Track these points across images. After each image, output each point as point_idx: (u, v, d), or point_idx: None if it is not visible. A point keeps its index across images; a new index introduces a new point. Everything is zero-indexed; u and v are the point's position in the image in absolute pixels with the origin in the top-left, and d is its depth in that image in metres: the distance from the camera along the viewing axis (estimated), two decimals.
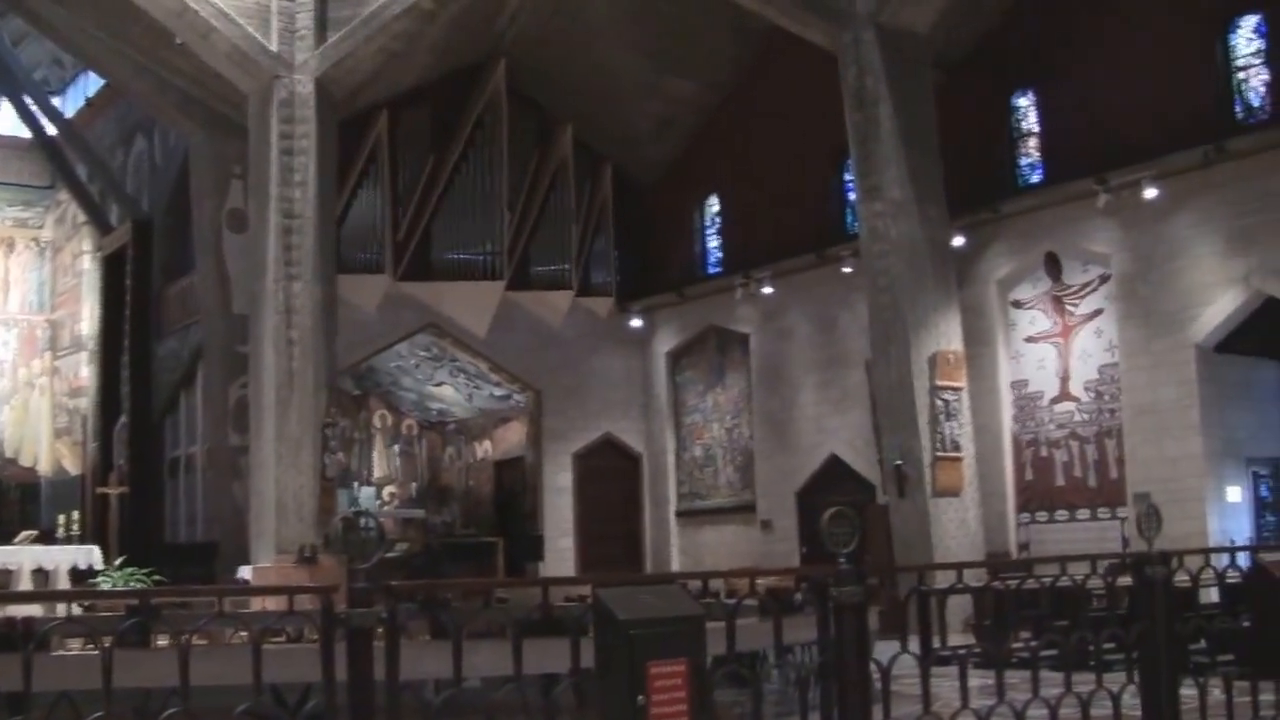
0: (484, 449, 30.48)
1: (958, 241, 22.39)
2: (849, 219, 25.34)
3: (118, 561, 20.71)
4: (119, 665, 5.10)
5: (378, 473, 29.27)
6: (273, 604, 17.63)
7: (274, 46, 21.85)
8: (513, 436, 30.00)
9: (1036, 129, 23.31)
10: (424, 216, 27.52)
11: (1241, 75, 20.74)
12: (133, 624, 8.26)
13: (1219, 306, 20.04)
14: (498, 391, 29.61)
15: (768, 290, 26.73)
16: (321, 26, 22.20)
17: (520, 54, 27.48)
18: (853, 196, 23.43)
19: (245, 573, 21.19)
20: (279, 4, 22.00)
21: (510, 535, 28.62)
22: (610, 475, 29.84)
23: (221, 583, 22.05)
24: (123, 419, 29.44)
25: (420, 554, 27.75)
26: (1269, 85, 20.35)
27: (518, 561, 28.10)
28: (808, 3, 21.37)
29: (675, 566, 28.77)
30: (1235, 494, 20.25)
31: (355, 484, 28.37)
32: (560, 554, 28.80)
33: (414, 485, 29.79)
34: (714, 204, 29.53)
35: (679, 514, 29.43)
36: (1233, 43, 20.82)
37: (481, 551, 28.07)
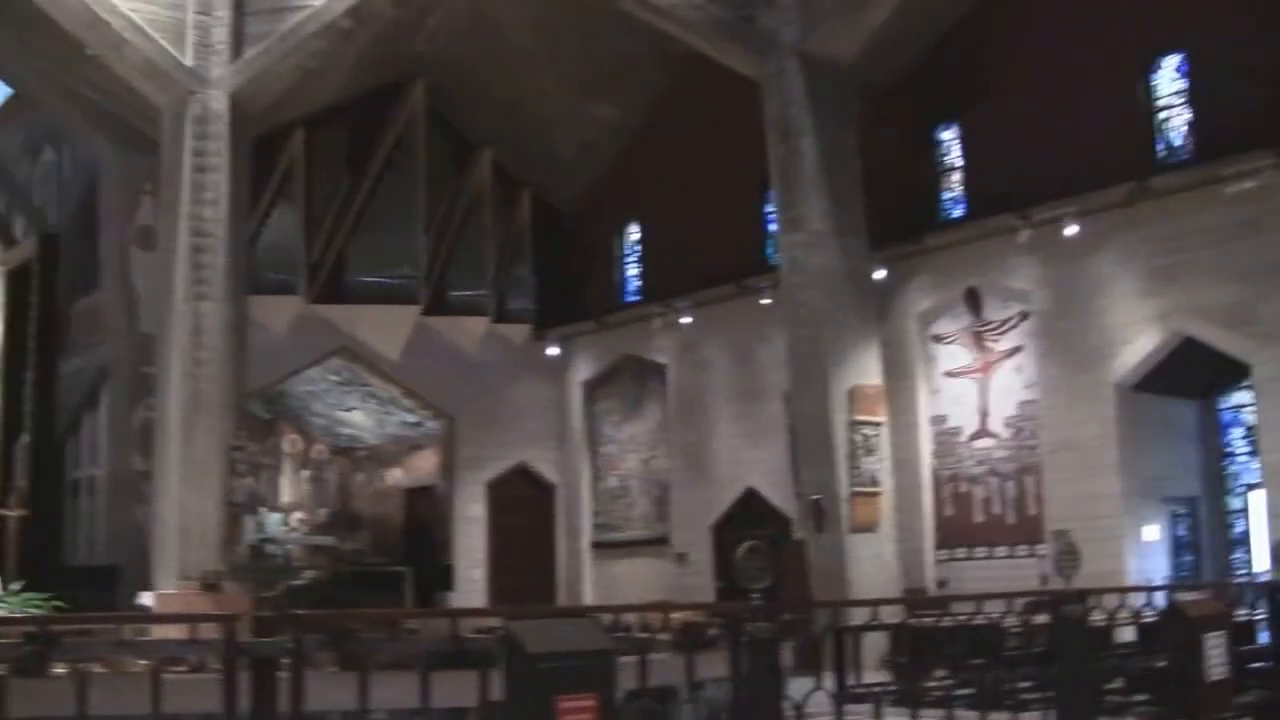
0: (395, 476, 30.01)
1: (879, 274, 22.29)
2: (769, 250, 25.18)
3: (15, 586, 20.11)
4: (15, 694, 4.82)
5: (286, 498, 28.64)
6: (175, 632, 17.13)
7: (188, 61, 21.47)
8: (425, 464, 29.56)
9: (960, 163, 23.27)
10: (339, 238, 27.09)
11: (1163, 115, 20.80)
12: (30, 651, 7.94)
13: (1138, 345, 20.04)
14: (410, 418, 29.18)
15: (686, 320, 26.52)
16: (238, 42, 21.87)
17: (440, 75, 27.20)
18: (774, 227, 23.28)
19: (147, 599, 20.64)
20: (195, 18, 21.64)
21: (420, 564, 28.14)
22: (524, 505, 29.50)
23: (122, 609, 21.53)
24: (24, 438, 28.75)
25: (328, 582, 27.18)
26: (1190, 125, 20.41)
27: (428, 591, 27.63)
28: (733, 31, 21.25)
29: (588, 599, 28.44)
30: (1152, 533, 20.22)
31: (262, 510, 27.75)
32: (471, 584, 28.39)
33: (323, 512, 29.19)
34: (634, 232, 29.33)
35: (593, 545, 29.10)
36: (1155, 82, 20.88)
37: (391, 581, 27.57)
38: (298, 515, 28.91)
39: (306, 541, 28.58)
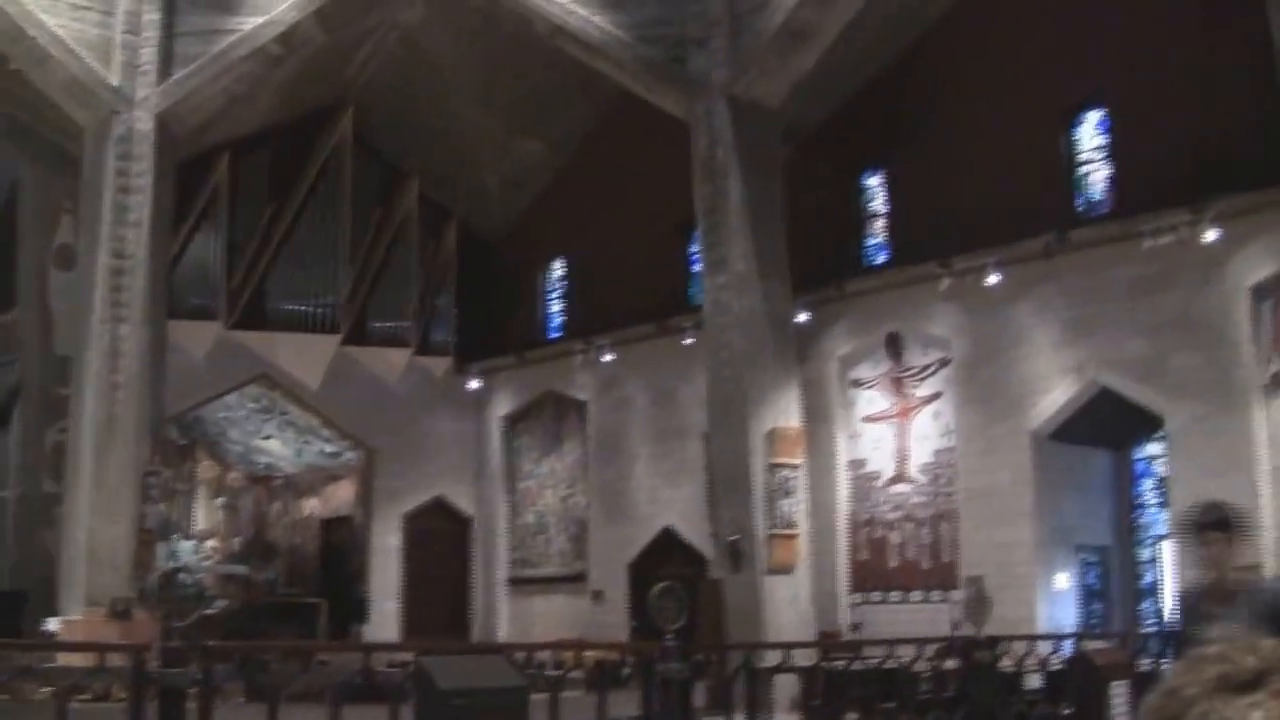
0: (312, 506, 29.77)
1: (801, 318, 22.38)
2: (692, 290, 25.25)
3: None
4: None
5: (200, 526, 28.38)
6: (81, 660, 16.87)
7: (115, 80, 21.23)
8: (342, 494, 29.35)
9: (884, 209, 23.47)
10: (261, 264, 26.90)
11: (1084, 169, 21.09)
12: None
13: (1055, 395, 20.26)
14: (328, 448, 28.97)
15: (608, 358, 26.52)
16: (166, 63, 21.64)
17: (369, 104, 27.14)
18: (697, 268, 23.34)
19: (53, 625, 20.29)
20: (123, 37, 21.39)
21: (335, 596, 27.90)
22: (440, 539, 29.32)
23: (28, 636, 21.16)
24: None
25: (240, 612, 26.90)
26: (1110, 180, 20.69)
27: (342, 623, 27.40)
28: (663, 71, 21.32)
29: (503, 635, 28.28)
30: (1064, 581, 20.41)
31: (175, 537, 27.45)
32: (385, 617, 28.15)
33: (237, 540, 28.95)
34: (558, 268, 29.32)
35: (509, 581, 28.96)
36: (1077, 136, 21.17)
37: (304, 612, 27.32)
38: (211, 543, 28.62)
39: (219, 570, 28.29)
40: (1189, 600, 7.14)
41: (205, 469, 28.89)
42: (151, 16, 21.56)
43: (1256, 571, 7.04)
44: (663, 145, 23.24)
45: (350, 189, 27.43)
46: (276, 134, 26.86)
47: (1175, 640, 15.31)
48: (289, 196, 27.11)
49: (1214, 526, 6.72)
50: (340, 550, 29.11)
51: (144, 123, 21.37)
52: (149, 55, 21.44)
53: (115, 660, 11.85)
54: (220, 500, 29.17)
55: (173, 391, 23.33)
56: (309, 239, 27.08)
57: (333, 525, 29.47)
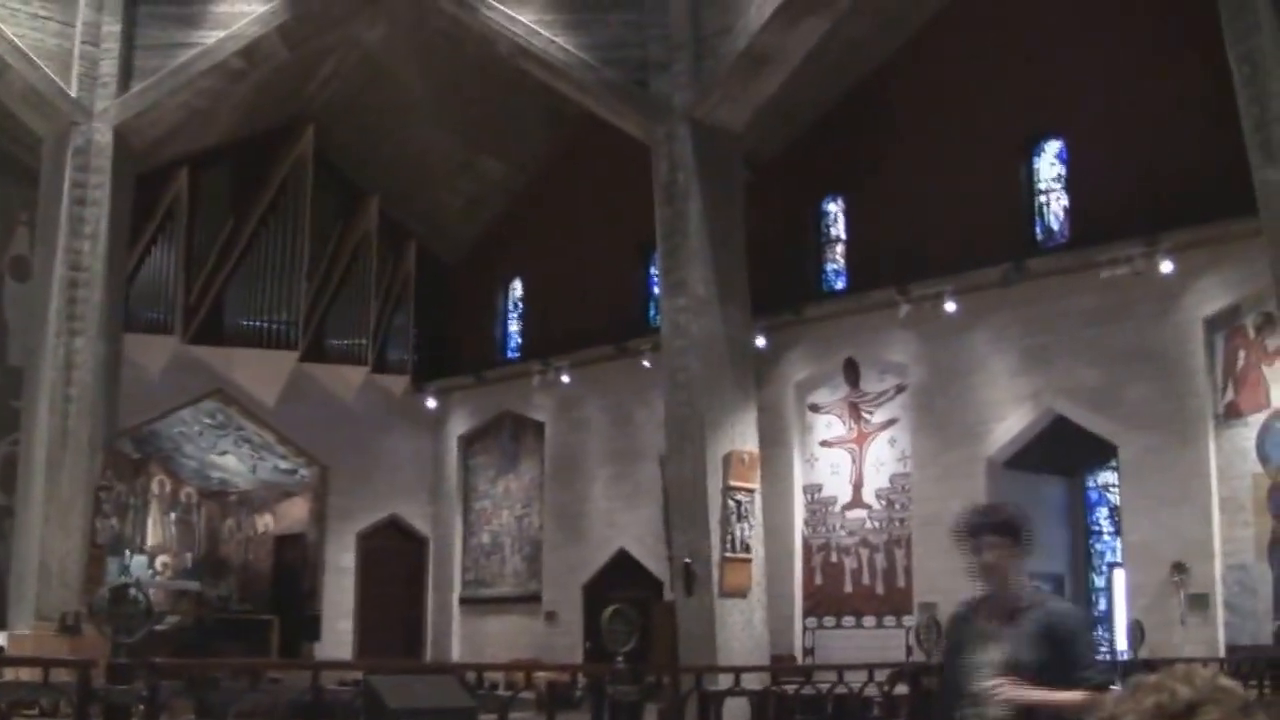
0: (265, 522, 29.58)
1: (759, 342, 22.42)
2: (651, 312, 25.28)
3: None
4: None
5: (152, 541, 28.16)
6: (28, 674, 16.69)
7: (73, 91, 21.08)
8: (296, 511, 29.18)
9: (843, 235, 23.55)
10: (218, 280, 26.75)
11: (1043, 198, 21.23)
12: None
13: (1010, 422, 20.37)
14: (283, 464, 28.81)
15: (566, 379, 26.49)
16: (126, 75, 21.50)
17: (330, 121, 27.06)
18: (656, 290, 23.35)
19: (0, 640, 20.08)
20: (82, 48, 21.24)
21: (287, 614, 27.70)
22: (394, 557, 29.19)
23: None
24: None
25: (191, 628, 26.68)
26: (1068, 210, 20.85)
27: (294, 641, 27.21)
28: (625, 94, 21.33)
29: (456, 655, 28.14)
30: None
31: (127, 552, 27.24)
32: (338, 636, 27.99)
33: (189, 556, 28.73)
34: (517, 288, 29.31)
35: (463, 601, 28.86)
36: (1036, 165, 21.32)
37: (256, 629, 27.10)
38: (163, 559, 28.41)
39: (171, 586, 28.07)
40: (960, 618, 6.13)
41: (159, 484, 28.67)
42: (112, 28, 21.43)
43: (1039, 586, 6.19)
44: (624, 167, 23.27)
45: (310, 206, 27.31)
46: (236, 149, 26.76)
47: (1124, 668, 15.39)
48: (248, 212, 26.97)
49: (993, 530, 5.84)
50: (293, 568, 28.93)
51: (102, 135, 21.23)
52: (109, 67, 21.30)
53: (62, 675, 11.74)
54: (173, 516, 28.97)
55: (127, 406, 23.18)
56: (267, 255, 26.93)
57: (286, 543, 29.28)
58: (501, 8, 21.46)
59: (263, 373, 26.96)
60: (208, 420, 28.02)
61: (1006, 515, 5.97)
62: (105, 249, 21.17)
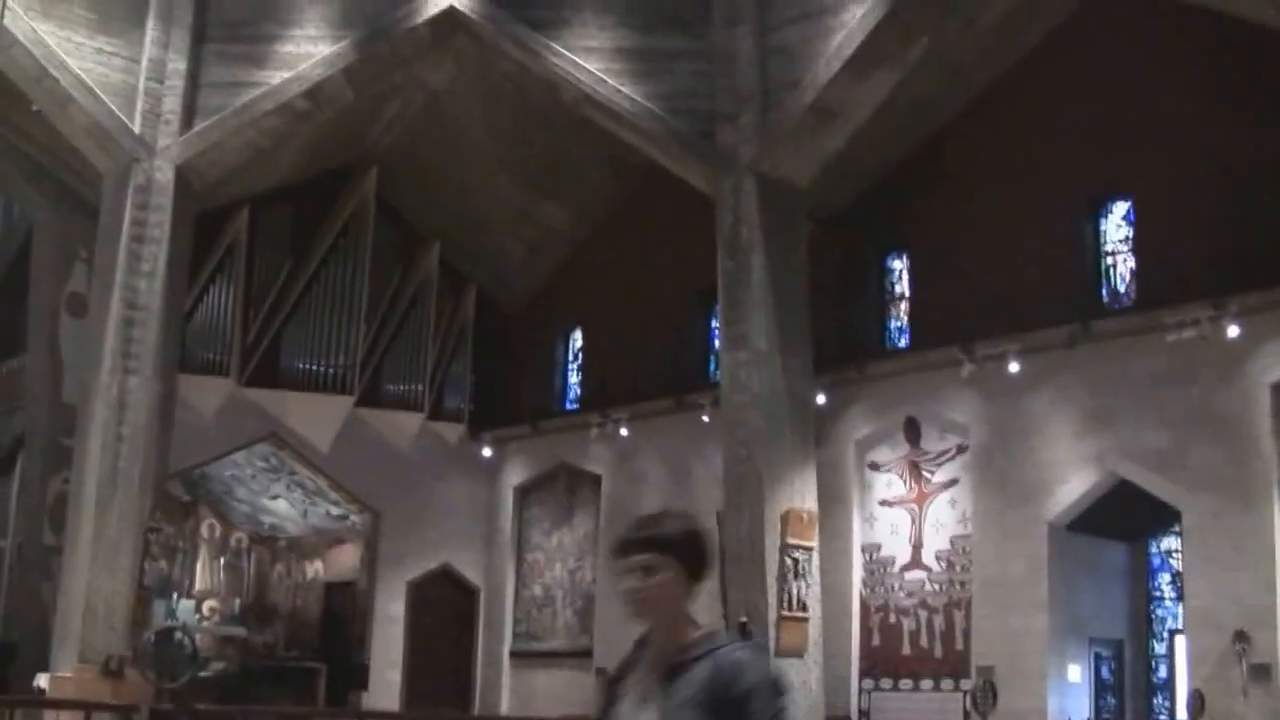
0: (315, 569, 29.36)
1: (819, 398, 22.11)
2: (711, 366, 25.03)
3: None
4: None
5: (200, 585, 27.95)
6: (70, 717, 16.46)
7: (136, 128, 21.09)
8: (346, 558, 28.96)
9: (907, 292, 23.27)
10: (276, 321, 26.64)
11: (1110, 260, 20.94)
12: None
13: (1073, 485, 20.00)
14: (335, 510, 28.62)
15: (623, 432, 26.23)
16: (189, 113, 21.51)
17: (393, 164, 27.00)
18: (717, 343, 23.11)
19: (43, 681, 19.89)
20: (147, 84, 21.28)
21: (335, 662, 27.46)
22: (445, 607, 28.92)
23: (16, 690, 20.77)
24: None
25: (236, 675, 26.50)
26: (1134, 272, 20.56)
27: (341, 690, 26.97)
28: (690, 146, 21.16)
29: (505, 708, 27.82)
30: (1076, 674, 20.07)
31: (174, 595, 27.08)
32: (386, 685, 27.71)
33: (237, 601, 28.49)
34: (577, 338, 29.11)
35: (513, 654, 28.50)
36: (1103, 226, 21.05)
37: (303, 677, 26.91)
38: (210, 603, 28.21)
39: (217, 631, 27.86)
40: (614, 673, 4.67)
41: (208, 527, 28.50)
42: (177, 65, 21.47)
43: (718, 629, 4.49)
44: (686, 218, 23.09)
45: (370, 250, 27.21)
46: (298, 190, 26.70)
47: None
48: (307, 254, 26.92)
49: (646, 546, 4.35)
50: (342, 615, 28.69)
51: (164, 172, 21.22)
52: (172, 104, 21.33)
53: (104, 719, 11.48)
54: (222, 560, 28.80)
55: (179, 447, 23.06)
56: (326, 298, 26.84)
57: (336, 589, 29.05)
58: (568, 54, 21.36)
59: (318, 417, 26.80)
60: (260, 464, 27.90)
61: (667, 526, 4.41)
62: (163, 287, 21.13)
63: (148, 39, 21.37)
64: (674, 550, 4.35)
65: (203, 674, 23.64)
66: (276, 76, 21.87)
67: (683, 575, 4.36)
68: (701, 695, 4.18)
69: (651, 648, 4.46)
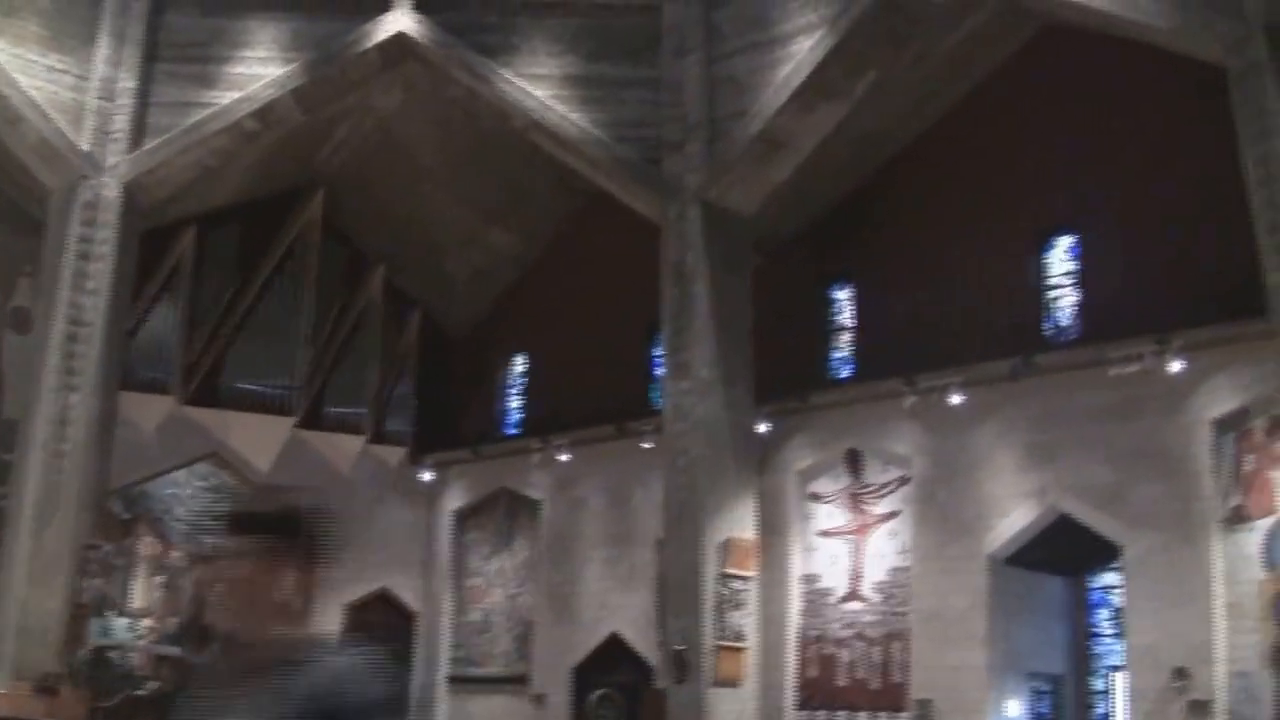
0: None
1: (761, 428, 22.18)
2: (654, 394, 25.06)
3: None
4: None
5: (137, 603, 27.67)
6: None
7: (85, 145, 21.05)
8: (284, 580, 28.72)
9: (851, 323, 23.38)
10: (219, 341, 26.55)
11: (1054, 293, 21.08)
12: None
13: (1014, 519, 20.07)
14: None
15: (564, 458, 26.21)
16: (138, 131, 21.49)
17: (340, 187, 26.99)
18: (660, 371, 23.16)
19: None
20: (96, 103, 21.25)
21: None
22: (382, 631, 28.73)
23: None
24: None
25: (172, 695, 26.23)
26: (1078, 306, 20.69)
27: None
28: (637, 173, 21.28)
29: None
30: (1015, 708, 20.09)
31: (110, 613, 26.79)
32: None
33: (173, 620, 28.25)
34: (520, 364, 29.11)
35: (449, 679, 28.37)
36: (1047, 261, 21.18)
37: None
38: (147, 622, 27.95)
39: (153, 650, 27.58)
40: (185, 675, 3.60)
41: (147, 545, 28.25)
42: (127, 84, 21.46)
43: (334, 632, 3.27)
44: (632, 246, 23.17)
45: (316, 272, 27.23)
46: (245, 210, 26.62)
47: None
48: (253, 275, 26.86)
49: (241, 527, 3.75)
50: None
51: (111, 190, 21.16)
52: (121, 123, 21.30)
53: None
54: (160, 579, 28.54)
55: (120, 464, 22.94)
56: (270, 319, 26.79)
57: None
58: (517, 81, 21.46)
59: (259, 438, 26.68)
60: (200, 483, 27.69)
61: (264, 505, 3.62)
62: (107, 305, 21.05)
63: (99, 57, 21.34)
64: (275, 532, 3.64)
65: (137, 693, 23.41)
66: (226, 97, 21.87)
67: (285, 562, 3.51)
68: (297, 706, 3.36)
69: (238, 647, 3.51)
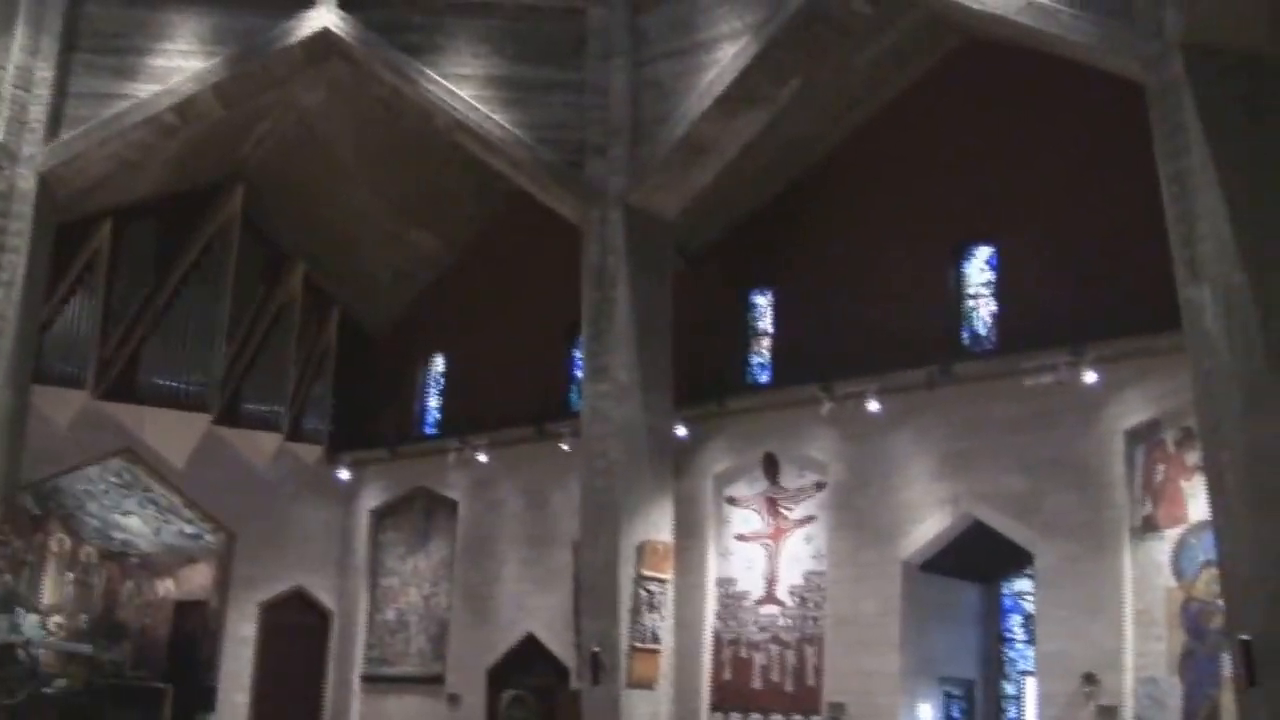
0: (166, 587, 28.84)
1: (679, 432, 22.25)
2: (573, 396, 25.08)
3: None
4: None
5: (47, 600, 27.36)
6: None
7: (0, 134, 20.77)
8: (198, 578, 28.52)
9: (770, 329, 23.48)
10: (135, 336, 26.26)
11: (972, 303, 21.26)
12: None
13: (928, 525, 20.23)
14: (188, 529, 28.18)
15: (482, 458, 26.16)
16: (55, 122, 21.23)
17: (261, 183, 26.83)
18: (579, 374, 23.19)
19: None
20: (12, 92, 20.95)
21: (183, 683, 26.99)
22: (297, 630, 28.58)
23: None
24: None
25: (81, 693, 25.99)
26: (995, 316, 20.87)
27: (188, 712, 26.55)
28: (559, 176, 21.26)
29: None
30: (927, 713, 20.29)
31: (18, 610, 26.50)
32: (234, 708, 27.35)
33: (85, 618, 27.92)
34: (439, 364, 29.03)
35: (364, 678, 28.24)
36: (966, 271, 21.37)
37: (150, 697, 26.43)
38: (57, 619, 27.65)
39: (62, 648, 27.29)
40: None
41: (58, 542, 27.93)
42: (45, 74, 21.20)
43: None
44: (554, 249, 23.23)
45: (234, 268, 27.05)
46: (163, 205, 26.36)
47: None
48: (170, 270, 26.63)
49: None
50: (192, 636, 28.22)
51: (26, 180, 20.90)
52: (38, 113, 21.03)
53: None
54: (71, 575, 28.23)
55: (31, 458, 22.69)
56: (187, 315, 26.58)
57: (186, 609, 28.57)
58: (441, 81, 21.40)
59: (174, 434, 26.46)
60: (114, 479, 27.42)
61: None
62: (20, 297, 20.78)
63: (15, 45, 21.07)
64: None
65: (45, 691, 23.20)
66: (146, 90, 21.65)
67: None
68: None
69: None
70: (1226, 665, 15.30)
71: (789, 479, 22.09)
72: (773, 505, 22.18)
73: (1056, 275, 19.56)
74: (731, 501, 22.70)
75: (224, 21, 21.85)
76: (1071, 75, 17.80)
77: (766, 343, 23.56)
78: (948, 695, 20.81)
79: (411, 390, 29.17)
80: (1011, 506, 19.32)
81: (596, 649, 20.24)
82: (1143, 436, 18.26)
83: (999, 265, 20.97)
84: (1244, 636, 13.72)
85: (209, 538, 28.12)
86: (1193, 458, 17.20)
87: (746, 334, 23.77)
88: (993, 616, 21.43)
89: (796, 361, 22.44)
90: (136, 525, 28.48)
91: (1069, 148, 19.74)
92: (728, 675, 22.06)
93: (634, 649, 20.22)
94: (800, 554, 21.65)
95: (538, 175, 21.46)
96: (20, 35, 21.12)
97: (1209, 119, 14.65)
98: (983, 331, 21.07)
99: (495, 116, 21.31)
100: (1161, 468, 17.96)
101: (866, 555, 20.68)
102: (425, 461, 27.74)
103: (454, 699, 26.13)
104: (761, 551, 22.14)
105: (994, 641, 21.33)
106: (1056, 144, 19.89)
